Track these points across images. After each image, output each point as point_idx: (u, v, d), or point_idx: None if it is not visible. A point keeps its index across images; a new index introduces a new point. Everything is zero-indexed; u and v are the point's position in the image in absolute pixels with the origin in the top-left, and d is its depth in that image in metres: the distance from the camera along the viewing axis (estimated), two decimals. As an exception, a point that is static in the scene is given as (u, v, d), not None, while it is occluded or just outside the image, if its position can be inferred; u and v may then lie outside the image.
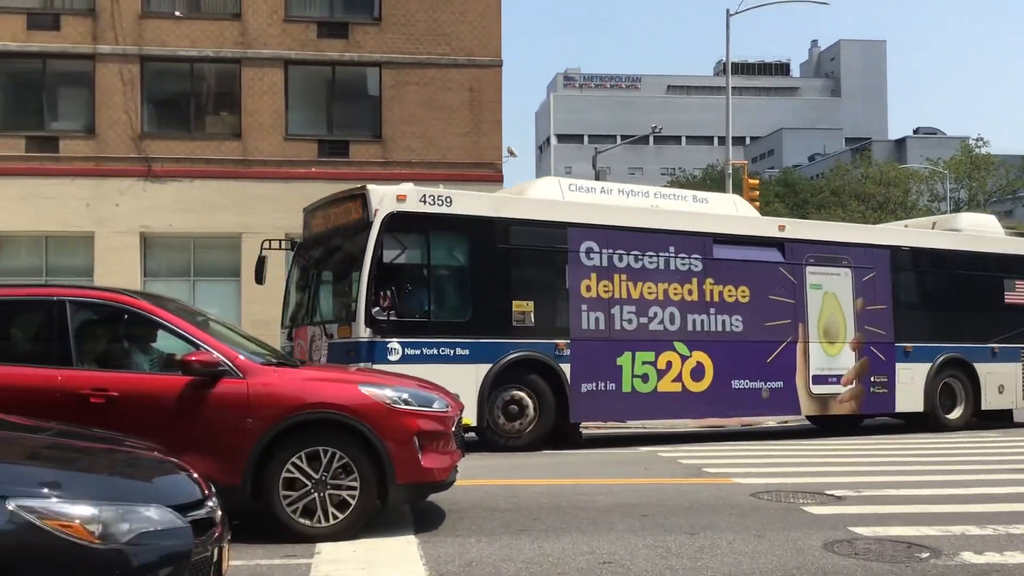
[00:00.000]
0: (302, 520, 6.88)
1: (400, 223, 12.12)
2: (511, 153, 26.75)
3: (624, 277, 13.57)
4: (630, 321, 13.75)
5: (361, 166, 24.69)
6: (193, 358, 6.82)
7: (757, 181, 29.80)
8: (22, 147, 23.90)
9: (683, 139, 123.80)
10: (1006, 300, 17.51)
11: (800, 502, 8.59)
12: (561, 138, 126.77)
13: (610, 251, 13.49)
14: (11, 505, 3.82)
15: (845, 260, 15.63)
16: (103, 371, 7.07)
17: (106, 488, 4.21)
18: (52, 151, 23.98)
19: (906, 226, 19.05)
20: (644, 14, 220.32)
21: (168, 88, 25.21)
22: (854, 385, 15.84)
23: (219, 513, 4.70)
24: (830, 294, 15.47)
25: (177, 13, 24.45)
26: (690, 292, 14.09)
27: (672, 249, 13.90)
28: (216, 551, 4.56)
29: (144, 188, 23.92)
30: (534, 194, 14.15)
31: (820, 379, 15.49)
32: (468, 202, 12.87)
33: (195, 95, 25.19)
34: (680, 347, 14.18)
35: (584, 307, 13.35)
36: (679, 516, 7.88)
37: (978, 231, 17.87)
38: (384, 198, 12.23)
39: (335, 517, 6.91)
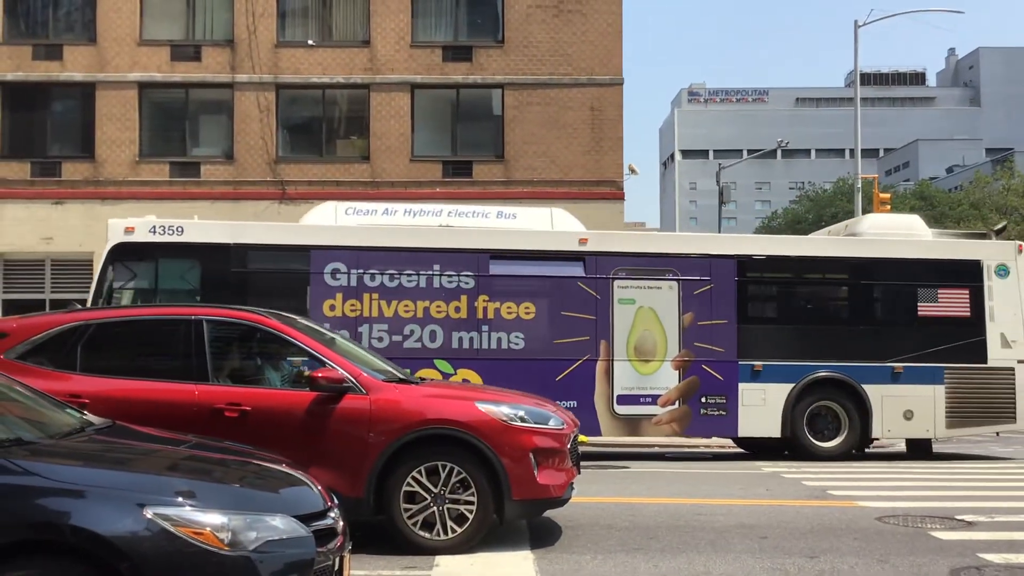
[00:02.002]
0: (422, 533, 7.08)
1: (128, 253, 13.06)
2: (632, 171, 26.72)
3: (376, 296, 13.60)
4: (381, 339, 13.56)
5: (484, 186, 25.10)
6: (320, 374, 7.12)
7: (888, 195, 28.89)
8: (167, 172, 25.24)
9: (812, 152, 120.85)
10: (919, 312, 14.89)
11: (927, 527, 8.32)
12: (685, 154, 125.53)
13: (360, 271, 13.59)
14: (148, 513, 4.10)
15: (671, 273, 14.43)
16: (236, 386, 7.46)
17: (236, 498, 4.47)
18: (194, 176, 25.24)
19: (828, 233, 17.40)
20: (770, 28, 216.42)
21: (301, 114, 26.23)
22: (676, 406, 14.36)
23: (341, 523, 4.91)
24: (646, 309, 14.32)
25: (310, 42, 25.44)
26: (457, 309, 13.80)
27: (437, 267, 13.78)
28: (338, 560, 4.78)
29: (278, 210, 24.90)
30: (310, 220, 14.60)
31: (628, 399, 14.27)
32: (202, 230, 13.56)
33: (326, 120, 26.11)
34: (442, 364, 13.68)
35: (327, 326, 13.33)
36: (799, 539, 7.74)
37: (880, 234, 15.39)
38: (115, 230, 13.19)
39: (453, 531, 7.09)
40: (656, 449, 16.07)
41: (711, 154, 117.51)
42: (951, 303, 14.94)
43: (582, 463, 8.13)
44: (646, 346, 14.37)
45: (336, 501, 5.12)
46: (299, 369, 7.74)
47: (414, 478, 7.10)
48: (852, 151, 28.43)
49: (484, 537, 7.18)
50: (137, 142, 25.21)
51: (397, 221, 14.50)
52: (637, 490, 10.86)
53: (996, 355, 14.84)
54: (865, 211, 28.10)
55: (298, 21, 25.87)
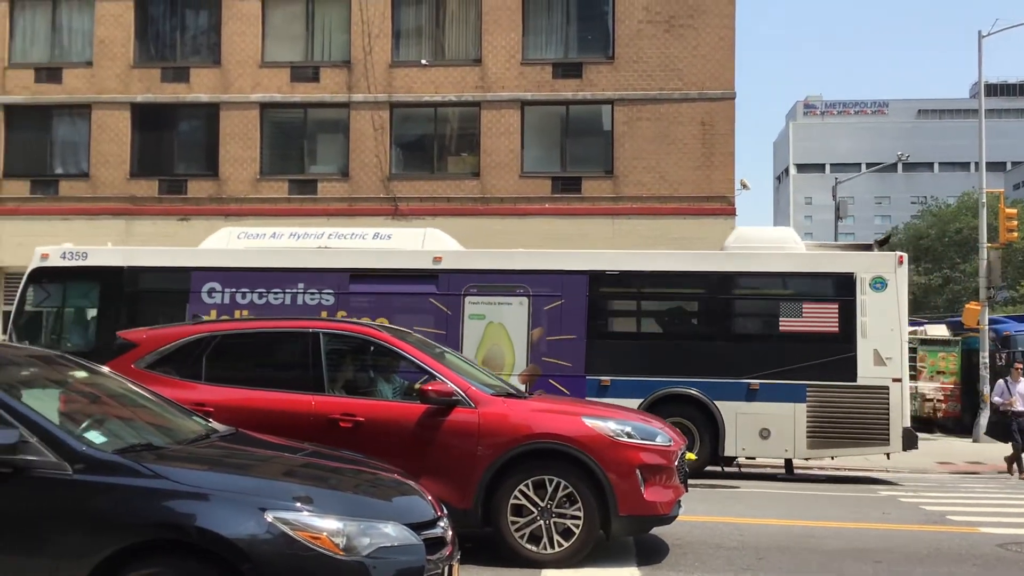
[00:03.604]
0: (529, 546, 7.17)
1: (43, 276, 14.70)
2: (744, 186, 26.35)
3: (246, 312, 14.32)
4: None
5: (593, 201, 25.15)
6: (430, 387, 7.29)
7: (1015, 211, 27.71)
8: (286, 189, 26.11)
9: (935, 166, 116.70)
10: (781, 328, 14.15)
11: (1055, 557, 7.97)
12: (801, 168, 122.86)
13: (232, 290, 14.40)
14: (269, 516, 4.30)
15: (521, 289, 14.33)
16: (351, 397, 7.70)
17: (350, 504, 4.64)
18: (311, 193, 26.04)
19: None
20: (890, 38, 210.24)
21: (414, 131, 26.77)
22: None
23: (450, 533, 5.03)
24: (495, 324, 14.29)
25: (424, 62, 25.98)
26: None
27: (302, 285, 14.39)
28: (447, 569, 4.90)
29: (391, 226, 25.45)
30: (207, 243, 15.49)
31: None
32: (102, 255, 14.87)
33: (438, 137, 26.59)
34: None
35: None
36: (915, 564, 7.53)
37: (744, 248, 14.78)
38: (35, 256, 14.85)
39: (560, 544, 7.15)
40: (768, 470, 15.78)
41: (828, 168, 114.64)
42: (817, 318, 14.09)
43: (689, 481, 8.08)
44: (495, 361, 14.23)
45: (445, 511, 5.24)
46: (410, 382, 7.94)
47: (521, 491, 7.19)
48: (977, 164, 27.39)
49: (591, 552, 7.21)
50: (258, 160, 26.16)
51: (283, 244, 15.17)
52: (745, 510, 10.71)
53: (867, 373, 13.79)
54: (991, 227, 27.04)
55: (412, 41, 26.46)
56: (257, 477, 4.77)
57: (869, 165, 79.92)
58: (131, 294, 14.73)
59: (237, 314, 14.36)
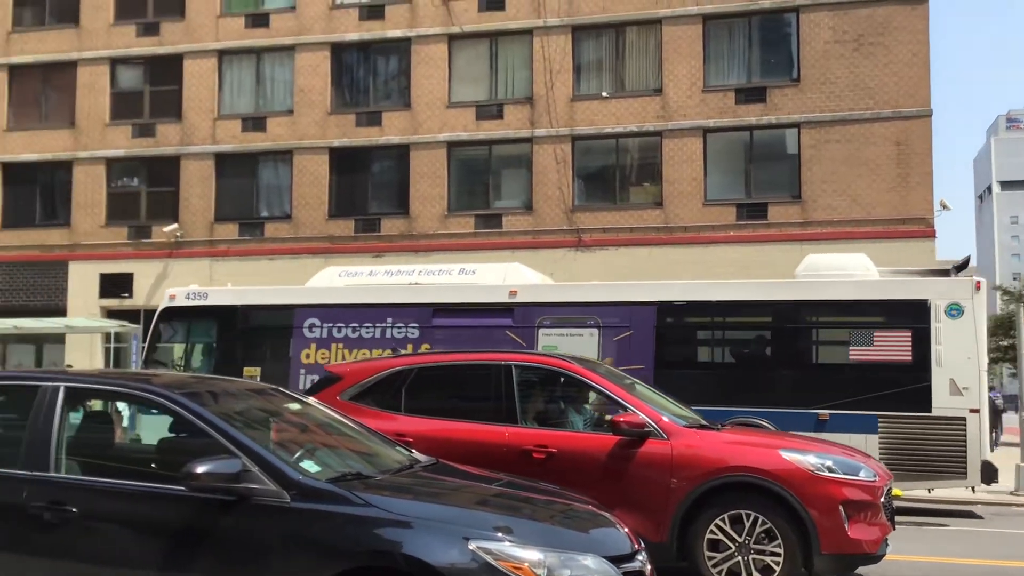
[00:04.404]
0: (726, 582, 7.01)
1: (171, 315, 16.00)
2: (944, 206, 24.97)
3: (341, 346, 15.15)
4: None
5: (780, 227, 24.52)
6: (622, 419, 7.28)
7: None
8: (472, 224, 26.83)
9: None
10: (851, 357, 13.47)
11: None
12: (1005, 185, 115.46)
13: (329, 325, 15.21)
14: (472, 545, 4.40)
15: (591, 320, 14.39)
16: (543, 428, 7.80)
17: (549, 536, 4.68)
18: (496, 227, 26.63)
19: None
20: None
21: (595, 163, 26.95)
22: None
23: (649, 567, 4.99)
24: None
25: (604, 94, 26.19)
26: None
27: (390, 320, 15.03)
28: (646, 603, 4.86)
29: (575, 257, 25.68)
30: (313, 282, 16.53)
31: None
32: (220, 296, 16.15)
33: (619, 168, 26.66)
34: None
35: (303, 371, 15.12)
36: None
37: (814, 276, 14.30)
38: (165, 297, 16.29)
39: (759, 582, 6.96)
40: (978, 507, 14.81)
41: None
42: (890, 346, 13.32)
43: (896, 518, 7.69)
44: None
45: (643, 544, 5.21)
46: (600, 413, 7.96)
47: (717, 526, 7.06)
48: None
49: (791, 590, 6.97)
50: (446, 197, 27.02)
51: (376, 281, 15.99)
52: (956, 550, 10.07)
53: (943, 403, 12.80)
54: None
55: (592, 75, 26.72)
56: (459, 506, 4.90)
57: (1084, 179, 74.18)
58: (244, 330, 15.90)
59: (333, 347, 15.24)
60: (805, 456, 7.10)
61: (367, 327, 15.21)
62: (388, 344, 14.93)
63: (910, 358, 13.31)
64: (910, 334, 13.44)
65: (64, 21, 29.71)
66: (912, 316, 13.49)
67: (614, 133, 26.13)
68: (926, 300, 13.49)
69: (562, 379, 8.21)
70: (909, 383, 13.27)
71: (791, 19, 25.45)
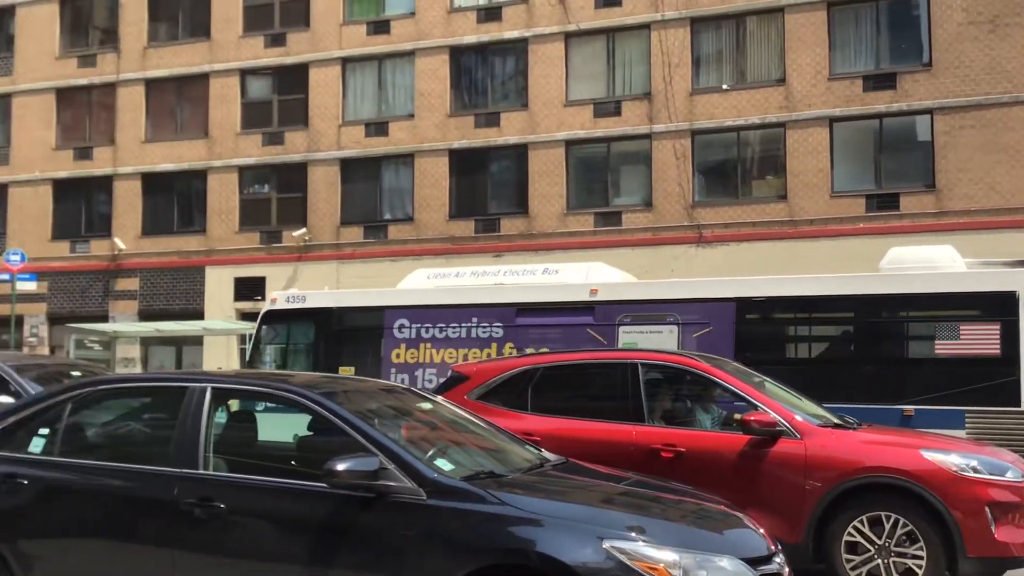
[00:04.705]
0: (865, 585, 6.81)
1: (273, 318, 16.45)
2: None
3: (428, 346, 15.36)
4: (431, 381, 14.83)
5: (913, 218, 23.61)
6: (752, 418, 7.15)
7: None
8: (591, 223, 26.77)
9: None
10: (937, 352, 12.81)
11: None
12: None
13: (417, 325, 15.44)
14: (606, 545, 4.39)
15: (671, 317, 14.05)
16: (670, 428, 7.72)
17: (684, 536, 4.63)
18: (616, 224, 26.51)
19: None
20: None
21: (716, 158, 26.52)
22: None
23: (787, 570, 4.89)
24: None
25: (725, 86, 25.74)
26: (489, 356, 14.73)
27: (475, 320, 15.14)
28: (784, 606, 4.76)
29: (696, 254, 25.33)
30: (404, 284, 16.87)
31: None
32: (317, 298, 16.61)
33: (741, 162, 26.16)
34: None
35: (393, 370, 15.31)
36: None
37: (897, 269, 13.64)
38: (268, 301, 16.88)
39: (900, 585, 6.74)
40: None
41: None
42: (976, 340, 12.63)
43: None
44: None
45: (779, 547, 5.11)
46: (729, 412, 7.83)
47: (855, 527, 6.86)
48: None
49: (935, 595, 6.72)
50: (564, 196, 27.04)
51: (462, 282, 16.36)
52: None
53: None
54: None
55: (712, 67, 26.30)
56: (591, 505, 4.90)
57: None
58: (339, 331, 16.36)
59: (422, 347, 15.54)
60: (948, 456, 6.84)
61: (453, 327, 15.49)
62: (474, 344, 15.28)
63: (998, 352, 12.70)
64: (998, 327, 12.85)
65: (196, 35, 30.97)
66: (999, 308, 12.91)
67: (735, 126, 25.65)
68: (1014, 292, 12.89)
69: (688, 377, 8.11)
70: (997, 377, 12.73)
71: (920, 1, 24.48)
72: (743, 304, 14.21)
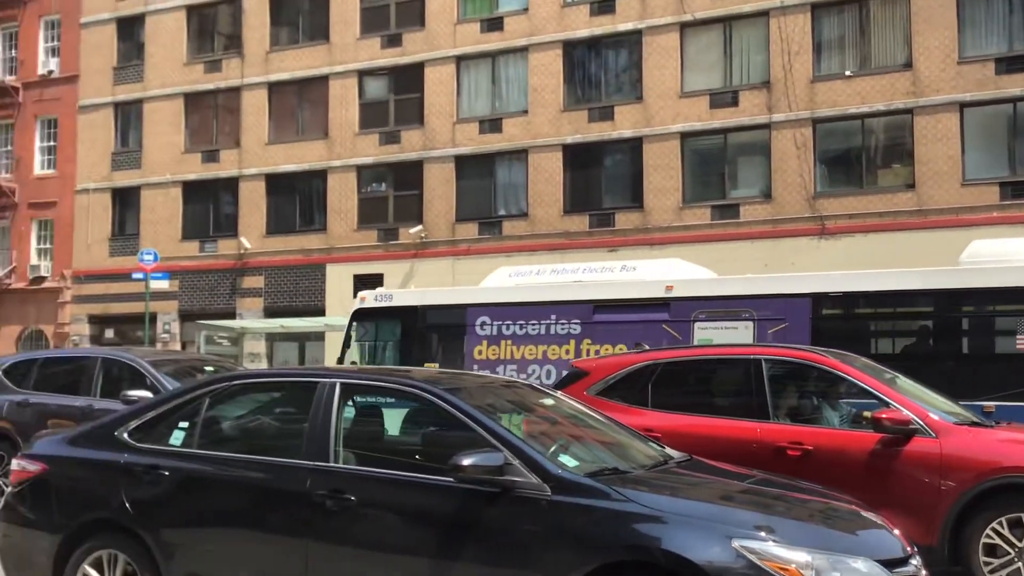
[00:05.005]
0: (1006, 590, 6.52)
1: (362, 316, 17.04)
2: None
3: (509, 342, 15.68)
4: (512, 377, 14.82)
5: (1052, 206, 22.48)
6: (884, 416, 6.92)
7: None
8: (708, 216, 26.36)
9: None
10: (1019, 345, 12.23)
11: None
12: None
13: (498, 323, 15.75)
14: (735, 544, 4.31)
15: (746, 313, 14.07)
16: (796, 425, 7.53)
17: (815, 536, 4.51)
18: (733, 217, 26.02)
19: None
20: None
21: (838, 147, 25.73)
22: None
23: (924, 573, 4.72)
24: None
25: (847, 72, 24.96)
26: (567, 352, 15.08)
27: (554, 317, 15.42)
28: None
29: (817, 246, 24.66)
30: (487, 282, 17.27)
31: None
32: (403, 297, 17.29)
33: (865, 150, 25.33)
34: None
35: (475, 367, 15.58)
36: None
37: (977, 263, 13.27)
38: (358, 300, 17.38)
39: (1045, 592, 6.43)
40: None
41: None
42: None
43: None
44: None
45: (915, 549, 4.93)
46: (859, 410, 7.60)
47: (994, 529, 6.57)
48: None
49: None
50: (680, 189, 26.70)
51: (544, 280, 16.65)
52: None
53: None
54: None
55: (834, 53, 25.53)
56: (718, 503, 4.82)
57: None
58: (423, 329, 16.79)
59: (503, 344, 15.80)
60: (1094, 456, 6.48)
61: (533, 324, 15.80)
62: (552, 340, 15.64)
63: None
64: None
65: (316, 38, 31.77)
66: None
67: (859, 113, 24.84)
68: None
69: (815, 373, 7.91)
70: None
71: (1057, -22, 23.28)
72: (819, 299, 14.15)
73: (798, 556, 4.26)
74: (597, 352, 15.48)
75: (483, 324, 16.18)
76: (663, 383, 8.16)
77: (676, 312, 14.96)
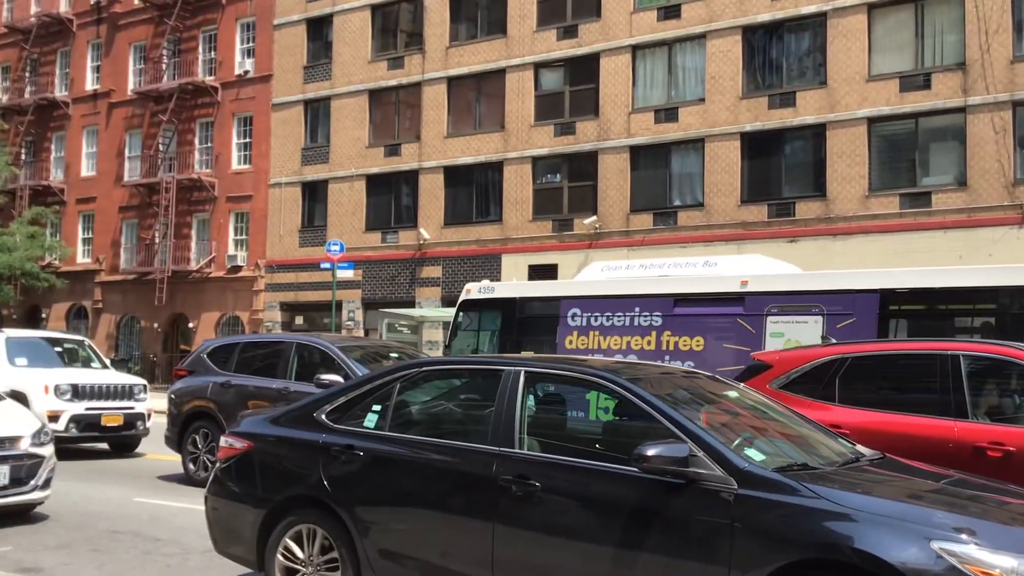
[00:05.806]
0: None
1: (468, 306, 17.84)
2: None
3: (597, 333, 16.21)
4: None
5: None
6: (1098, 418, 6.46)
7: None
8: (896, 204, 25.16)
9: None
10: None
11: None
12: None
13: (588, 314, 16.30)
14: (935, 546, 4.14)
15: (816, 308, 14.35)
16: (997, 425, 7.13)
17: (1019, 540, 4.27)
18: (924, 206, 24.75)
19: None
20: None
21: (1044, 130, 24.07)
22: None
23: None
24: (792, 342, 13.90)
25: (1051, 50, 23.30)
26: (649, 343, 15.64)
27: (637, 309, 15.86)
28: None
29: (1017, 236, 23.15)
30: (581, 277, 18.10)
31: None
32: (504, 289, 18.02)
33: (1073, 133, 23.57)
34: None
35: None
36: None
37: None
38: (463, 292, 18.07)
39: None
40: None
41: None
42: None
43: None
44: None
45: None
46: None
47: None
48: None
49: None
50: (866, 177, 25.63)
51: (633, 274, 17.22)
52: None
53: None
54: None
55: (1038, 31, 23.89)
56: (913, 504, 4.62)
57: None
58: (521, 319, 17.43)
59: (591, 335, 16.22)
60: None
61: (619, 316, 16.28)
62: (635, 332, 16.11)
63: None
64: None
65: (493, 32, 32.30)
66: None
67: (1066, 94, 23.14)
68: None
69: (1019, 370, 7.45)
70: None
71: None
72: (887, 295, 14.15)
73: (1003, 561, 4.05)
74: (676, 345, 16.13)
75: (574, 315, 16.78)
76: (851, 378, 7.89)
77: (750, 306, 15.41)
